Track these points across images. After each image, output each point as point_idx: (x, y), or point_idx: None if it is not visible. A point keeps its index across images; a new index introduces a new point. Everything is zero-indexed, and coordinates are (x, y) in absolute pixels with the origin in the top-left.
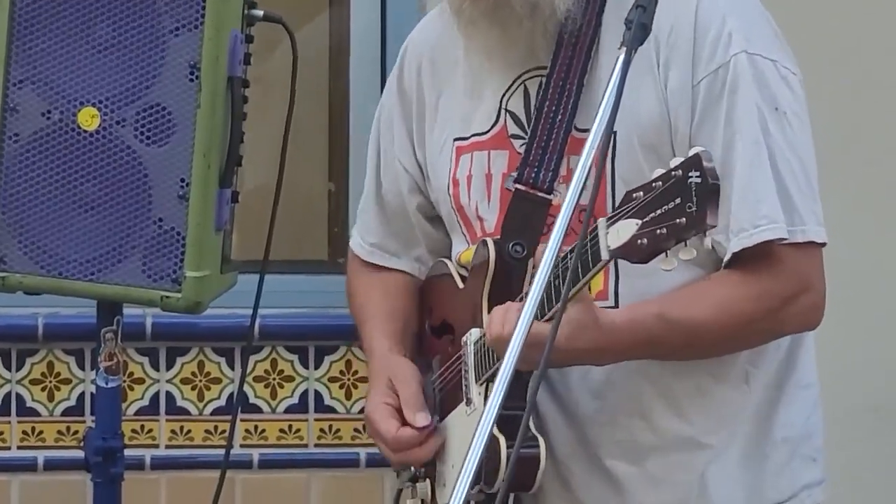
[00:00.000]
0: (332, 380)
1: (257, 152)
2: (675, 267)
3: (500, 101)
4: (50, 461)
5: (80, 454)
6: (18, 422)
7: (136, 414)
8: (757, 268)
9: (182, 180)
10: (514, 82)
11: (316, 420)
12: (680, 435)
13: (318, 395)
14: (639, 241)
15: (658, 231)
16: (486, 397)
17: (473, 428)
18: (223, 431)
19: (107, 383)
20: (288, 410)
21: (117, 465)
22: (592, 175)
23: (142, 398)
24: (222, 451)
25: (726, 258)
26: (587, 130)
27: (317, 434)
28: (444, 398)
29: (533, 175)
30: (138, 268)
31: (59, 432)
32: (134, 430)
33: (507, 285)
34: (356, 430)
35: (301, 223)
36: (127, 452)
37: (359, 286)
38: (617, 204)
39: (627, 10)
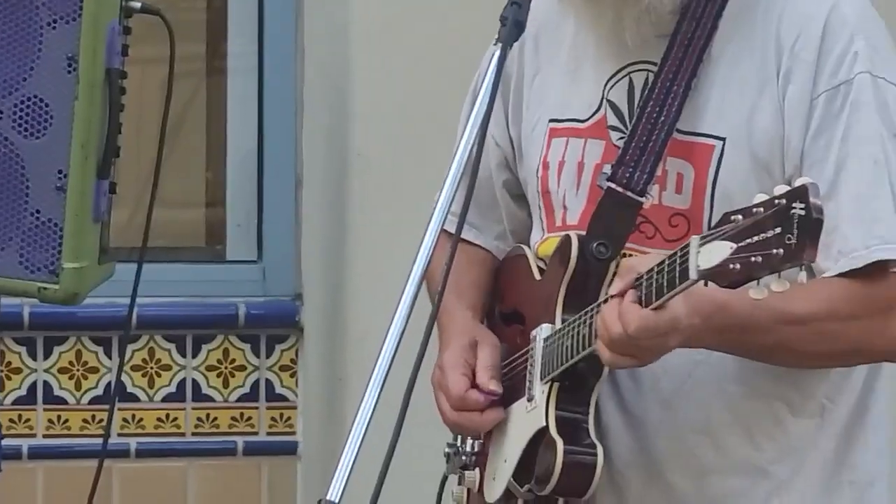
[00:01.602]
0: (210, 368)
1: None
2: (765, 297)
3: (603, 90)
4: None
5: None
6: None
7: (13, 403)
8: (860, 279)
9: (60, 172)
10: (619, 72)
11: (193, 409)
12: (746, 460)
13: (195, 383)
14: (731, 265)
15: (753, 258)
16: (549, 396)
17: (531, 424)
18: (101, 420)
19: None
20: (165, 399)
21: None
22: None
23: (19, 387)
24: (100, 441)
25: (828, 275)
26: (690, 133)
27: (194, 423)
28: (508, 389)
29: (627, 175)
30: (15, 259)
31: None
32: (11, 420)
33: (586, 285)
34: (233, 418)
35: (179, 212)
36: (4, 442)
37: (439, 253)
38: (713, 220)
39: (744, 17)
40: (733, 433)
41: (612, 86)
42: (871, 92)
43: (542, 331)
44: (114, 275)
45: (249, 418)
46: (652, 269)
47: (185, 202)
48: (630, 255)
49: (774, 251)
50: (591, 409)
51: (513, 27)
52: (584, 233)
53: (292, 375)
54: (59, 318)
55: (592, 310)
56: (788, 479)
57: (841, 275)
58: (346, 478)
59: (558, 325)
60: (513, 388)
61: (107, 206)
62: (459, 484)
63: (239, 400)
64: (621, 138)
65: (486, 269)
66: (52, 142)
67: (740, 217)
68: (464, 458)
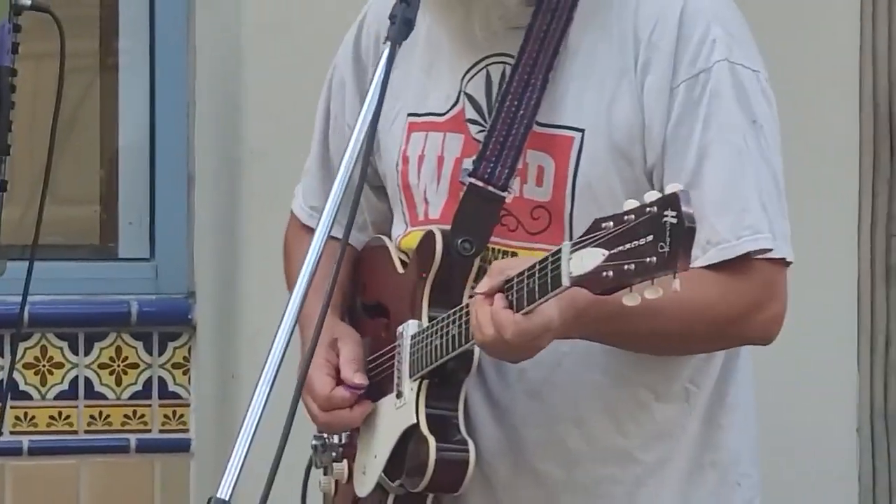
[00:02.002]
0: (102, 366)
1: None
2: (638, 304)
3: (461, 83)
4: None
5: None
6: None
7: None
8: (730, 270)
9: None
10: (476, 65)
11: (86, 406)
12: (614, 446)
13: (88, 381)
14: (604, 272)
15: (626, 266)
16: (419, 394)
17: (401, 421)
18: None
19: None
20: (58, 397)
21: None
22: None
23: None
24: None
25: (698, 265)
26: (550, 126)
27: (87, 420)
28: (373, 384)
29: (489, 170)
30: None
31: None
32: None
33: (450, 281)
34: (126, 416)
35: (72, 209)
36: None
37: (296, 251)
38: (575, 212)
39: (600, 8)
40: (601, 421)
41: (470, 79)
42: (729, 79)
43: (409, 327)
44: (5, 272)
45: (142, 416)
46: (523, 274)
47: (77, 199)
48: (493, 249)
49: (647, 259)
50: (461, 405)
51: (402, 25)
52: (447, 228)
53: (185, 373)
54: None
55: (461, 309)
56: (656, 464)
57: (710, 265)
58: (236, 475)
59: (425, 322)
60: (380, 382)
61: None
62: (326, 475)
63: (132, 398)
64: (480, 131)
65: (347, 262)
66: None
67: (611, 224)
68: (332, 451)
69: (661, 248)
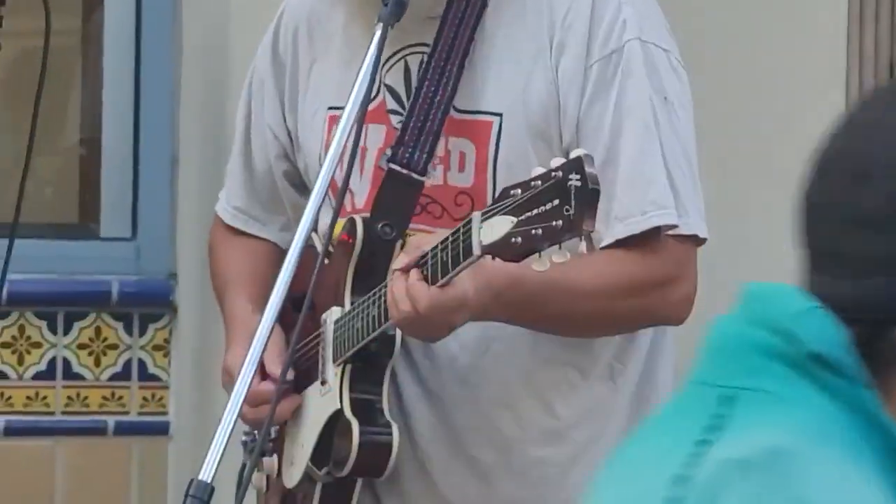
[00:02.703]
0: (81, 346)
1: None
2: (547, 269)
3: (380, 75)
4: None
5: None
6: None
7: None
8: (640, 248)
9: None
10: (394, 55)
11: (64, 387)
12: (545, 428)
13: (66, 361)
14: (513, 238)
15: (533, 231)
16: (342, 379)
17: (326, 408)
18: None
19: None
20: (35, 377)
21: None
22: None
23: None
24: None
25: (606, 242)
26: (467, 112)
27: (64, 401)
28: (300, 375)
29: (407, 155)
30: None
31: None
32: None
33: (373, 267)
34: (104, 397)
35: (53, 188)
36: None
37: (221, 251)
38: (496, 195)
39: None
40: (531, 403)
41: (389, 69)
42: (640, 58)
43: (332, 314)
44: None
45: (121, 398)
46: (436, 246)
47: (59, 179)
48: (419, 237)
49: (554, 223)
50: (385, 389)
51: (395, 6)
52: (368, 215)
53: (165, 355)
54: None
55: (380, 289)
56: (587, 443)
57: (620, 241)
58: (218, 458)
59: (347, 307)
60: (306, 372)
61: None
62: (258, 471)
63: (111, 379)
64: (401, 121)
65: (268, 261)
66: None
67: (519, 191)
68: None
69: (567, 210)
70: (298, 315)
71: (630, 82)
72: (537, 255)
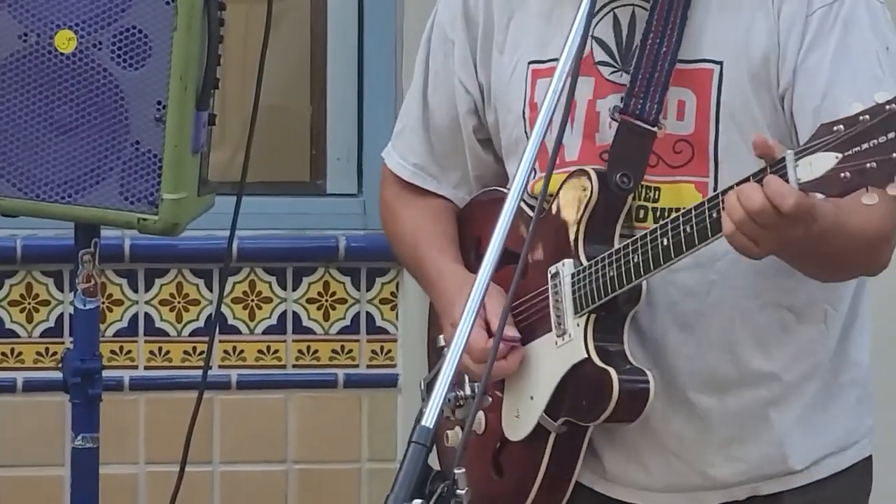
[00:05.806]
0: (310, 301)
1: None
2: (877, 202)
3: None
4: (29, 382)
5: (58, 375)
6: None
7: (114, 335)
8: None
9: (159, 103)
10: (602, 8)
11: (294, 341)
12: (761, 370)
13: (296, 316)
14: (842, 174)
15: (868, 165)
16: (585, 329)
17: (567, 358)
18: (201, 353)
19: (84, 305)
20: (266, 332)
21: (95, 386)
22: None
23: (120, 320)
24: (200, 372)
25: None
26: (689, 61)
27: (295, 355)
28: (524, 330)
29: (639, 106)
30: (115, 190)
31: (38, 353)
32: (113, 352)
33: (604, 218)
34: (334, 351)
35: (281, 144)
36: (105, 374)
37: (402, 211)
38: (720, 141)
39: None
40: (749, 346)
41: (597, 23)
42: (864, 9)
43: (566, 266)
44: (214, 206)
45: (350, 351)
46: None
47: (286, 137)
48: (645, 186)
49: (893, 155)
50: (626, 338)
51: None
52: (598, 167)
53: (392, 309)
54: (159, 251)
55: (646, 235)
56: (800, 384)
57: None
58: (439, 405)
59: (583, 260)
60: (529, 327)
61: (206, 138)
62: (450, 430)
63: (339, 333)
64: (614, 72)
65: (451, 220)
66: (150, 73)
67: (842, 127)
68: (461, 402)
69: None
70: (498, 273)
71: (852, 30)
72: (865, 189)
